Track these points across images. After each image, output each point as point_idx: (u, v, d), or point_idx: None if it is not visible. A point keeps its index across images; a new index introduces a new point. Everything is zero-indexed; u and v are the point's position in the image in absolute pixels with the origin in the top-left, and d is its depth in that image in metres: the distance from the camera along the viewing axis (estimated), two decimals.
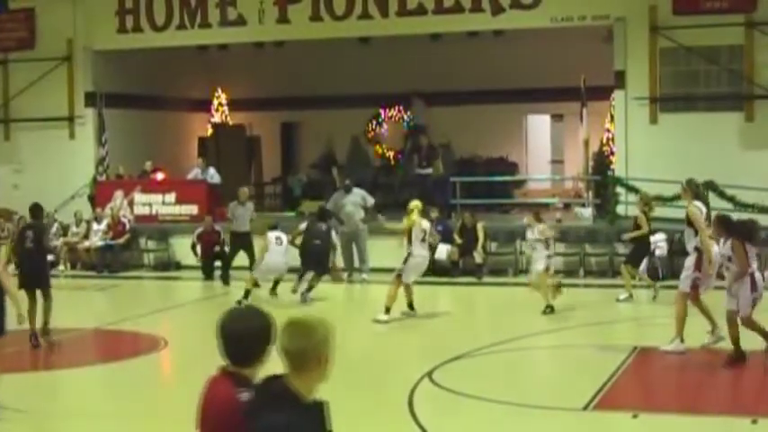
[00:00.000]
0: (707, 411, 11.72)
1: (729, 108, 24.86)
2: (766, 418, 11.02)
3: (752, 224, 13.75)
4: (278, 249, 20.03)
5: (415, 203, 18.06)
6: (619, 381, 13.05)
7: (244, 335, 5.39)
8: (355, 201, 23.67)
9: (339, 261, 22.89)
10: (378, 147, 33.87)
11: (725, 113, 24.83)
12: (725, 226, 13.54)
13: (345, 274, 23.38)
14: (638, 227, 20.14)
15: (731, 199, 23.71)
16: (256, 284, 20.15)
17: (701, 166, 23.86)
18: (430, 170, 26.68)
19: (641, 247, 20.28)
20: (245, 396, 5.24)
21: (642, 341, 15.24)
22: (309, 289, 19.82)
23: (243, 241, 23.01)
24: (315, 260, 20.34)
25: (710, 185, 23.78)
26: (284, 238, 20.38)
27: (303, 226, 21.11)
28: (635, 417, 11.18)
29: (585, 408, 11.63)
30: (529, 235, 18.86)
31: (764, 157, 24.15)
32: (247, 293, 19.37)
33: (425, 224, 18.01)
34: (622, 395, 12.51)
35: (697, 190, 14.85)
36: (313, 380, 5.19)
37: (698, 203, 14.44)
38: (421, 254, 17.78)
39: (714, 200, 23.60)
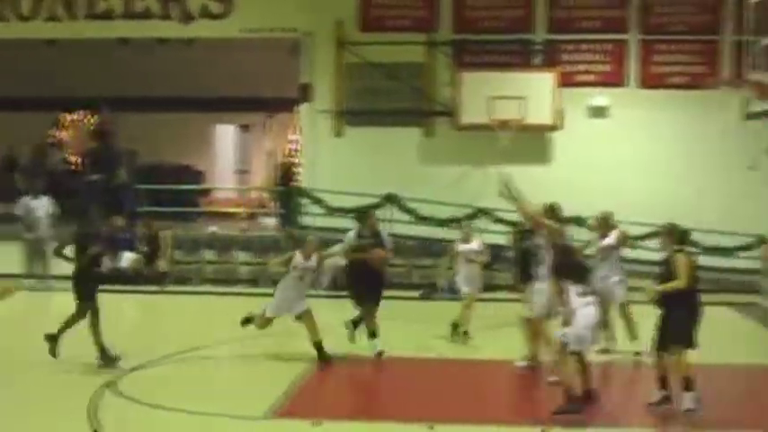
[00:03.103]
0: (386, 418, 12.09)
1: (410, 123, 25.74)
2: (442, 423, 11.50)
3: None
4: None
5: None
6: (301, 388, 13.29)
7: None
8: (44, 206, 23.28)
9: None
10: (62, 151, 32.99)
11: (406, 128, 25.69)
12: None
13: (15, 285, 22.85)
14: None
15: (411, 211, 24.59)
16: None
17: (383, 180, 24.72)
18: (98, 176, 26.25)
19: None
20: None
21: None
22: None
23: None
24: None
25: (392, 198, 24.60)
26: None
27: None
28: (315, 424, 11.40)
29: (266, 416, 11.78)
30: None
31: (442, 172, 25.13)
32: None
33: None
34: (304, 403, 12.71)
35: (553, 213, 14.21)
36: None
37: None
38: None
39: (396, 212, 24.46)
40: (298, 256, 15.12)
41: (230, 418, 11.78)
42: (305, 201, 25.73)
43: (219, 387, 13.94)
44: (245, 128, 34.46)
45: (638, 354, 14.94)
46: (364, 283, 15.59)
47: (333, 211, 25.13)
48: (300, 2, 25.66)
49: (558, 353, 12.23)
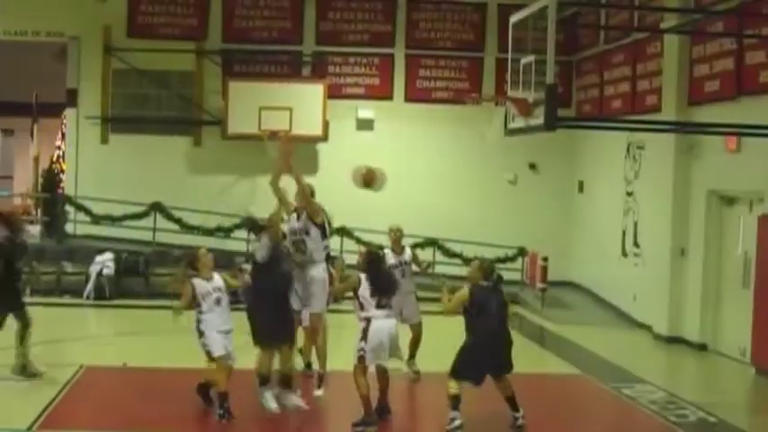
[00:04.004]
0: (149, 427, 12.09)
1: (179, 132, 25.66)
2: None
3: None
4: None
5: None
6: (65, 399, 13.12)
7: None
8: None
9: None
10: None
11: (175, 137, 25.61)
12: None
13: None
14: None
15: (178, 221, 24.50)
16: None
17: (150, 188, 24.60)
18: None
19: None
20: None
21: (89, 360, 15.38)
22: None
23: None
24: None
25: (158, 206, 24.45)
26: None
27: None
28: None
29: (30, 427, 11.61)
30: None
31: (209, 182, 25.14)
32: None
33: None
34: (69, 414, 12.57)
35: None
36: None
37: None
38: None
39: (163, 223, 24.30)
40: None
41: None
42: (70, 208, 25.32)
43: None
44: (9, 132, 33.62)
45: (417, 373, 15.24)
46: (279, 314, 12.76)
47: (98, 219, 24.84)
48: (68, 6, 25.24)
49: (354, 365, 11.97)
